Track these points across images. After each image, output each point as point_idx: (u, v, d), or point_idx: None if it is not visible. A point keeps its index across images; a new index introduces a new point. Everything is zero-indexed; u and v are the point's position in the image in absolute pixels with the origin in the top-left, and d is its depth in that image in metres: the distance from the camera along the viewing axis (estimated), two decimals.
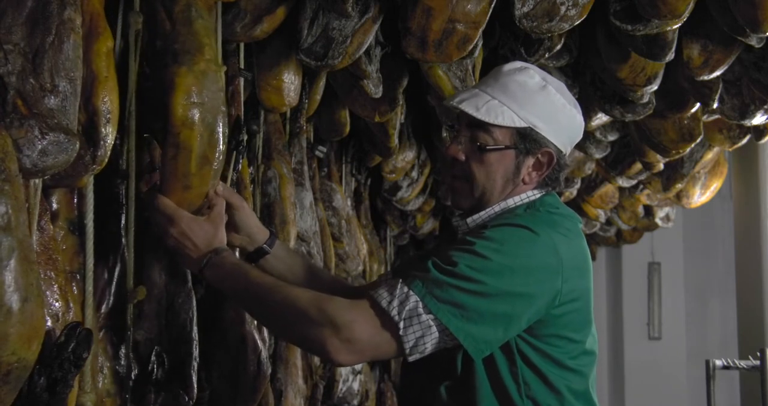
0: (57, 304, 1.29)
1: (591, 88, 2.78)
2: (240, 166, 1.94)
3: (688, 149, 3.21)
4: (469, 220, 1.65)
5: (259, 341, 1.82)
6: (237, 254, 1.76)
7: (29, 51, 1.20)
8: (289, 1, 1.96)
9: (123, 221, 1.53)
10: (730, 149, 3.54)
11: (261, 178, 2.20)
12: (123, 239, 1.53)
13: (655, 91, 2.65)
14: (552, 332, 1.55)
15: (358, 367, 3.01)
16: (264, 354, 1.82)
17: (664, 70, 2.55)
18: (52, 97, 1.22)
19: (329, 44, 2.00)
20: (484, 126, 1.61)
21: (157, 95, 1.51)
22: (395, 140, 2.90)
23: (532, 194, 1.65)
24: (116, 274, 1.52)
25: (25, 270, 1.06)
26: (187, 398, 1.57)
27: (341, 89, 2.50)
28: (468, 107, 1.61)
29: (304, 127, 2.54)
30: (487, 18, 2.02)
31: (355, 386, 2.98)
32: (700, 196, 4.40)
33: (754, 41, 2.26)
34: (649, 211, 5.45)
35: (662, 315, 7.15)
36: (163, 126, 1.48)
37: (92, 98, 1.36)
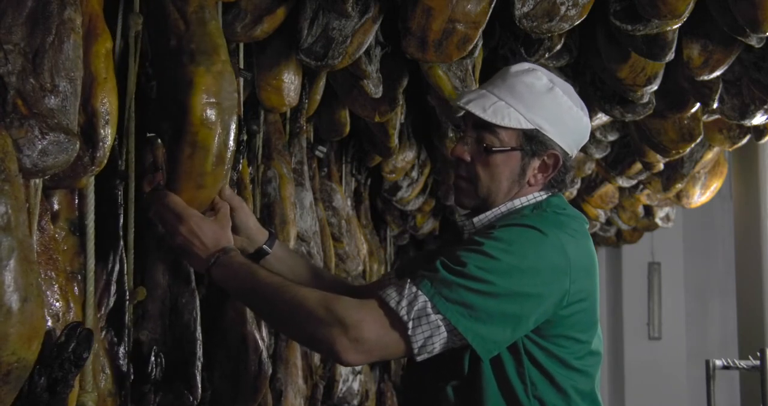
0: (57, 304, 1.29)
1: (591, 88, 2.78)
2: (240, 166, 1.94)
3: (688, 149, 3.21)
4: (475, 220, 1.65)
5: (259, 341, 1.82)
6: None
7: (29, 51, 1.20)
8: (289, 1, 1.96)
9: (122, 222, 1.53)
10: (730, 149, 3.54)
11: (261, 178, 2.20)
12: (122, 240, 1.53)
13: (655, 91, 2.65)
14: (559, 332, 1.55)
15: (358, 367, 3.01)
16: (265, 354, 1.82)
17: (664, 70, 2.54)
18: (52, 97, 1.22)
19: (329, 44, 2.00)
20: (490, 127, 1.61)
21: (165, 94, 1.50)
22: (395, 140, 2.90)
23: (538, 195, 1.65)
24: (116, 274, 1.52)
25: (25, 270, 1.05)
26: (191, 398, 1.57)
27: (341, 89, 2.50)
28: (475, 108, 1.61)
29: (304, 127, 2.54)
30: (487, 18, 2.02)
31: (355, 386, 2.98)
32: (700, 196, 4.40)
33: (754, 41, 2.26)
34: (649, 211, 5.45)
35: (662, 315, 7.14)
36: (174, 125, 1.48)
37: (91, 100, 1.36)
